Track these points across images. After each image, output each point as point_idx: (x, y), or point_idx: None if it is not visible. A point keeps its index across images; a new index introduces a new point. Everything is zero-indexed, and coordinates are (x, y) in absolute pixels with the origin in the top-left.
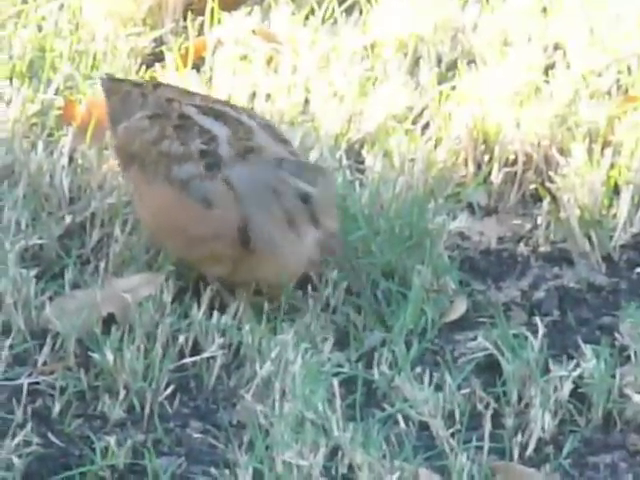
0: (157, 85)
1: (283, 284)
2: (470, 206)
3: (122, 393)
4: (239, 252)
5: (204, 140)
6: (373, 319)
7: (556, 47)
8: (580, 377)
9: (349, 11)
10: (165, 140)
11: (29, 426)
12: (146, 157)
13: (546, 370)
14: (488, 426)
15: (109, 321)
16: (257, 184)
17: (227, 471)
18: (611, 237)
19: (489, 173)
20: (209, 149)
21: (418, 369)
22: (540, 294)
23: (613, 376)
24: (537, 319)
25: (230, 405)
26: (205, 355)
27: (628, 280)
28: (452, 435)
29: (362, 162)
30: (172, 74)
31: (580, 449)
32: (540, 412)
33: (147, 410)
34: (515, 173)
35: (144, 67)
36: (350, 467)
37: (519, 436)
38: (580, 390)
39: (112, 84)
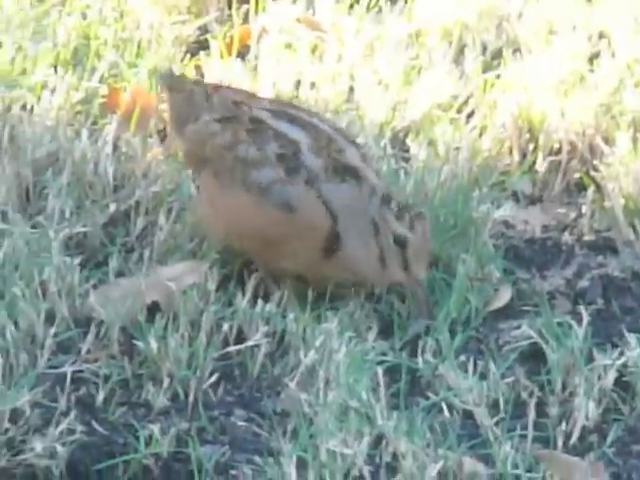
0: (218, 87)
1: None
2: (515, 195)
3: (166, 381)
4: (318, 256)
5: (281, 144)
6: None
7: (601, 36)
8: (624, 366)
9: None
10: (240, 145)
11: (73, 414)
12: (220, 162)
13: (590, 359)
14: (532, 415)
15: (153, 309)
16: (356, 210)
17: (271, 459)
18: None
19: (534, 162)
20: (287, 153)
21: (462, 357)
22: (584, 283)
23: None
24: (581, 308)
25: (274, 393)
26: (249, 343)
27: None
28: (496, 424)
29: (407, 151)
30: (217, 62)
31: (624, 438)
32: (584, 401)
33: (191, 398)
34: (560, 162)
35: (188, 55)
36: (394, 455)
37: (563, 425)
38: (624, 379)
39: (173, 81)
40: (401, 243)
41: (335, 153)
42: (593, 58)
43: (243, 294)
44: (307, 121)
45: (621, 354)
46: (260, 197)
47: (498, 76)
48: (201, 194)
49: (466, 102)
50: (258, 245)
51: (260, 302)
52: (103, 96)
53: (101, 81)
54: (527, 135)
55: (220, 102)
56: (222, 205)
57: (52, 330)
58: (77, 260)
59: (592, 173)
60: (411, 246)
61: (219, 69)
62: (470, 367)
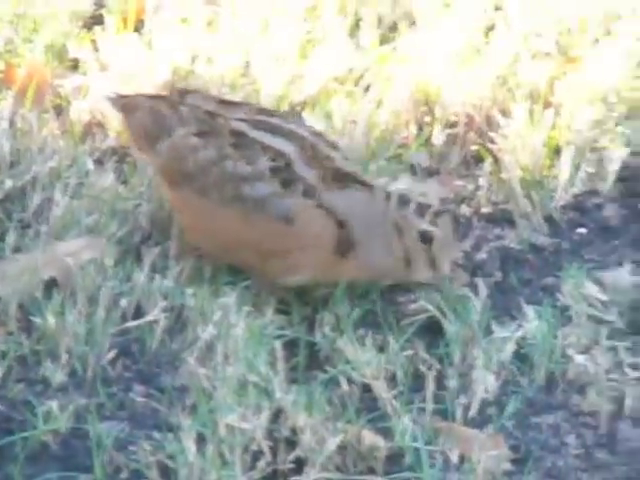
0: (183, 93)
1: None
2: (412, 168)
3: (64, 357)
4: (330, 262)
5: (271, 157)
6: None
7: (496, 8)
8: (522, 338)
9: None
10: (227, 160)
11: None
12: (205, 178)
13: (489, 331)
14: (431, 388)
15: (50, 285)
16: (372, 214)
17: (170, 435)
18: (552, 198)
19: (431, 134)
20: (280, 166)
21: (360, 331)
22: (482, 255)
23: (555, 337)
24: (480, 280)
25: (173, 369)
26: (148, 319)
27: (569, 240)
28: (395, 397)
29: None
30: (112, 37)
31: (523, 410)
32: (483, 373)
33: (89, 374)
34: (457, 134)
35: (84, 30)
36: (293, 429)
37: (462, 397)
38: (522, 351)
39: (126, 100)
40: (427, 240)
41: (326, 161)
42: (489, 30)
43: (141, 270)
44: (287, 129)
45: (519, 326)
46: (257, 211)
47: (394, 49)
48: (182, 212)
49: (362, 75)
50: (257, 259)
51: (158, 277)
52: None
53: None
54: (424, 108)
55: (191, 113)
56: (214, 222)
57: None
58: None
59: (489, 145)
60: (437, 242)
61: (114, 44)
62: (368, 341)
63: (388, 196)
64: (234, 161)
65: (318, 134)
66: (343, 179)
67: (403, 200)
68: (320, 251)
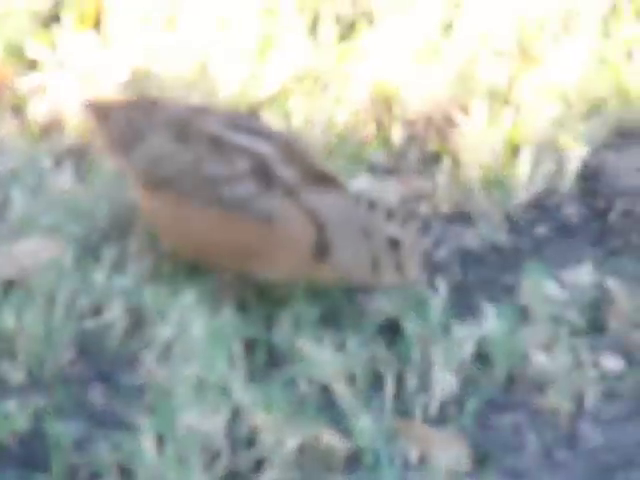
0: (154, 101)
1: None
2: (371, 167)
3: (22, 357)
4: (306, 264)
5: (249, 158)
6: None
7: (455, 5)
8: (483, 337)
9: None
10: (205, 163)
11: None
12: (182, 183)
13: (448, 330)
14: (390, 387)
15: (8, 285)
16: (346, 218)
17: (129, 435)
18: (512, 196)
19: (390, 133)
20: (259, 167)
21: (320, 331)
22: (442, 254)
23: (515, 336)
24: (439, 279)
25: (132, 368)
26: (106, 318)
27: (529, 239)
28: (354, 396)
29: None
30: (70, 35)
31: (483, 409)
32: (442, 373)
33: (48, 374)
34: (416, 133)
35: (42, 28)
36: (252, 429)
37: (421, 397)
38: (483, 350)
39: (99, 106)
40: (394, 245)
41: (303, 161)
42: (448, 27)
43: (100, 269)
44: (263, 130)
45: (479, 325)
46: (237, 212)
47: (353, 47)
48: (158, 217)
49: (321, 74)
50: (237, 260)
51: (116, 277)
52: None
53: None
54: (382, 106)
55: (165, 120)
56: (192, 225)
57: None
58: None
59: (448, 144)
60: (404, 247)
61: (72, 42)
62: (328, 340)
63: (358, 199)
64: (212, 163)
65: (294, 134)
66: (321, 180)
67: (372, 204)
68: (299, 252)
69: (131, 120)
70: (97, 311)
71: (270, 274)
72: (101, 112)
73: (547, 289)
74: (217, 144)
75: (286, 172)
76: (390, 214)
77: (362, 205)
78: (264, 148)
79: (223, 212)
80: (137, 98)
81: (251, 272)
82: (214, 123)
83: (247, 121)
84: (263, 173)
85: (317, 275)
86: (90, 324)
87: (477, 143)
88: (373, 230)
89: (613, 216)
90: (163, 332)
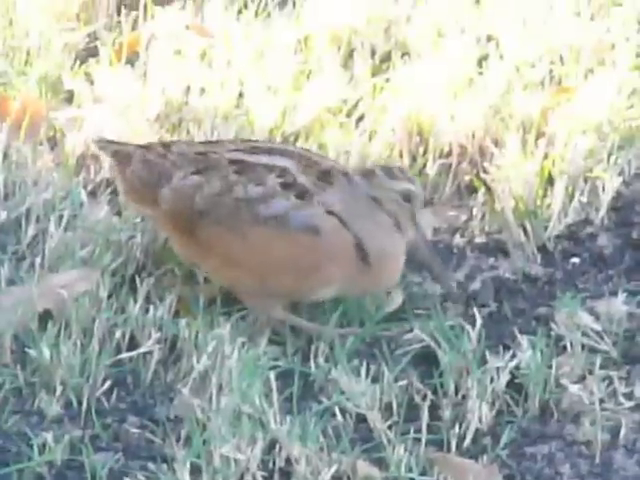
0: (167, 144)
1: (391, 288)
2: None
3: (59, 389)
4: (357, 269)
5: (277, 174)
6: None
7: (489, 38)
8: (517, 368)
9: (282, 4)
10: (235, 187)
11: None
12: (217, 210)
13: (483, 361)
14: (425, 418)
15: (45, 317)
16: (356, 200)
17: (165, 466)
18: (546, 228)
19: (424, 165)
20: (288, 180)
21: (355, 361)
22: (476, 285)
23: (549, 366)
24: (474, 310)
25: (167, 400)
26: (142, 350)
27: (563, 270)
28: (389, 427)
29: None
30: (106, 69)
31: (517, 440)
32: (477, 403)
33: (84, 406)
34: (450, 165)
35: (78, 62)
36: (288, 460)
37: (456, 427)
38: (517, 381)
39: (116, 148)
40: (407, 197)
41: (315, 166)
42: (482, 60)
43: (135, 301)
44: (279, 149)
45: (513, 356)
46: (280, 228)
47: (387, 80)
48: (205, 257)
49: (356, 106)
50: (293, 278)
51: (152, 308)
52: None
53: None
54: (417, 138)
55: (182, 157)
56: (241, 253)
57: None
58: None
59: (482, 175)
60: (415, 197)
61: (109, 76)
62: (363, 371)
63: (347, 176)
64: (242, 186)
65: (305, 149)
66: (324, 177)
67: (366, 173)
68: (347, 259)
69: (150, 163)
70: (133, 343)
71: (323, 288)
72: (119, 155)
73: (581, 320)
74: (242, 167)
75: (305, 179)
76: (388, 172)
77: (357, 178)
78: (286, 162)
79: (266, 230)
80: (150, 142)
81: (302, 293)
82: (231, 151)
83: (261, 144)
84: (294, 185)
85: (363, 282)
86: (126, 356)
87: (511, 175)
88: (383, 194)
89: None
90: (199, 364)
